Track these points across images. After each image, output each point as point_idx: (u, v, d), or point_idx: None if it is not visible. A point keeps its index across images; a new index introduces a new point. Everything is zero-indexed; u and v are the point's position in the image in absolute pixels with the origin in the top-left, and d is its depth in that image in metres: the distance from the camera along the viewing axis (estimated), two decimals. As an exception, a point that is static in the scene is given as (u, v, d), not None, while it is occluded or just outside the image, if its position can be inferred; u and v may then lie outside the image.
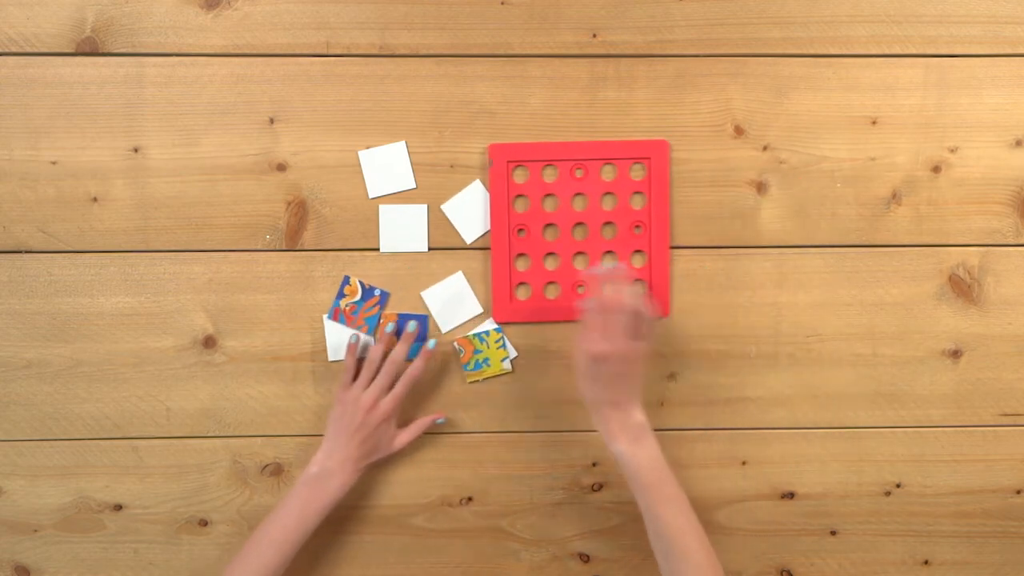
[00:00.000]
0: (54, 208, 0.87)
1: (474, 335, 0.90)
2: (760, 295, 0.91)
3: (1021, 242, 0.91)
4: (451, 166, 0.89)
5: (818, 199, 0.90)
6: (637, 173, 0.89)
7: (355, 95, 0.87)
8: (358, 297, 0.89)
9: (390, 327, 0.88)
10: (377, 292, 0.89)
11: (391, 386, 0.86)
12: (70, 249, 0.88)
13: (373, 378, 0.86)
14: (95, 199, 0.87)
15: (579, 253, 0.90)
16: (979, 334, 0.93)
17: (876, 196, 0.90)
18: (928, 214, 0.91)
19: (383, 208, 0.88)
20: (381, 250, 0.89)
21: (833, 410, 0.93)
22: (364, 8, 0.86)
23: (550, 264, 0.90)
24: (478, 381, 0.91)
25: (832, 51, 0.88)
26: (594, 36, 0.88)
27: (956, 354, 0.93)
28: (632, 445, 0.80)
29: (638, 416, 0.82)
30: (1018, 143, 0.90)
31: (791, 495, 0.95)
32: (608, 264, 0.89)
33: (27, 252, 0.88)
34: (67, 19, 0.85)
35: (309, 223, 0.89)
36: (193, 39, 0.86)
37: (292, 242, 0.89)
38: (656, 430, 0.93)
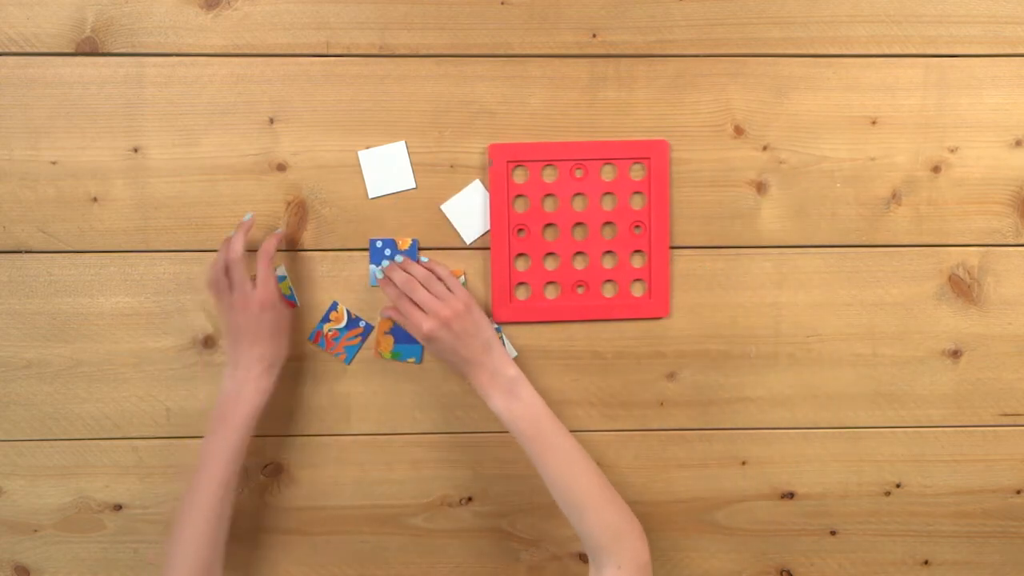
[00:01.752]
0: (54, 208, 0.87)
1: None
2: (760, 295, 0.91)
3: (1021, 242, 0.91)
4: (451, 166, 0.89)
5: (818, 199, 0.90)
6: (637, 173, 0.89)
7: (355, 95, 0.87)
8: (342, 324, 0.89)
9: (248, 216, 0.85)
10: (362, 323, 0.89)
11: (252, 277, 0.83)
12: (70, 249, 0.88)
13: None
14: (95, 199, 0.87)
15: (579, 253, 0.90)
16: (979, 334, 0.93)
17: (876, 196, 0.90)
18: (928, 214, 0.91)
19: (362, 155, 0.87)
20: (369, 196, 0.88)
21: (833, 410, 0.93)
22: (364, 8, 0.86)
23: (550, 264, 0.90)
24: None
25: (832, 51, 0.88)
26: (594, 36, 0.88)
27: (956, 354, 0.93)
28: (507, 400, 0.82)
29: (508, 370, 0.83)
30: (1018, 143, 0.90)
31: (791, 495, 0.95)
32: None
33: (27, 252, 0.88)
34: (67, 19, 0.85)
35: (309, 223, 0.89)
36: (193, 39, 0.86)
37: (292, 242, 0.89)
38: (656, 430, 0.93)
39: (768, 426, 0.94)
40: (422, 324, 0.81)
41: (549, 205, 0.90)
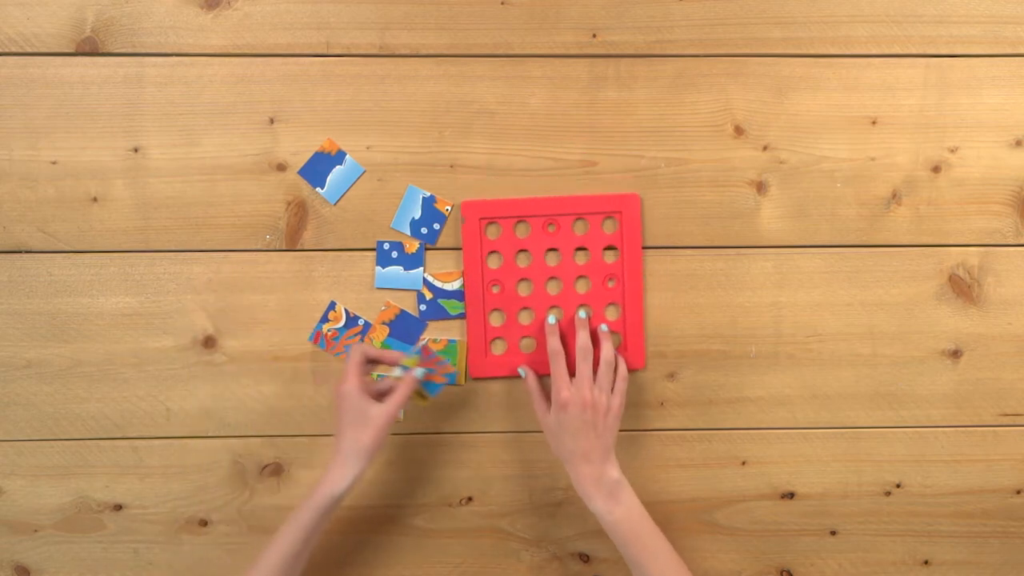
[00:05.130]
0: (54, 208, 0.87)
1: (376, 376, 0.88)
2: (760, 295, 0.91)
3: (1021, 242, 0.91)
4: (451, 166, 0.89)
5: (818, 199, 0.90)
6: (609, 227, 0.89)
7: (355, 95, 0.87)
8: (341, 324, 0.89)
9: (552, 319, 0.87)
10: (361, 321, 0.89)
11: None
12: (70, 249, 0.88)
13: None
14: (95, 199, 0.87)
15: (553, 307, 0.90)
16: (979, 334, 0.93)
17: (876, 196, 0.90)
18: (928, 214, 0.91)
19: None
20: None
21: (833, 410, 0.93)
22: (364, 8, 0.86)
23: (524, 319, 0.90)
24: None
25: (832, 51, 0.88)
26: (594, 36, 0.88)
27: (956, 354, 0.93)
28: (608, 502, 0.81)
29: (613, 473, 0.83)
30: (1018, 143, 0.90)
31: (791, 495, 0.95)
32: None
33: (27, 252, 0.88)
34: (67, 19, 0.85)
35: (309, 223, 0.89)
36: (193, 39, 0.86)
37: (292, 242, 0.89)
38: (656, 430, 0.93)
39: (768, 426, 0.94)
40: (562, 390, 0.81)
41: (523, 260, 0.90)
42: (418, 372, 0.83)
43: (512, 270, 0.90)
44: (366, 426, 0.80)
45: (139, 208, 0.88)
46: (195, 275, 0.89)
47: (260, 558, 0.79)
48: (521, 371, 0.88)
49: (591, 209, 0.89)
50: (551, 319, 0.87)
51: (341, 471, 0.80)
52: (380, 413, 0.80)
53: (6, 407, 0.90)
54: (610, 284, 0.90)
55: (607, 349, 0.85)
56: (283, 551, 0.79)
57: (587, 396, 0.81)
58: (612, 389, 0.84)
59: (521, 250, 0.90)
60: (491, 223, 0.89)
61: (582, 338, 0.84)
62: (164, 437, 0.91)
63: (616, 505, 0.82)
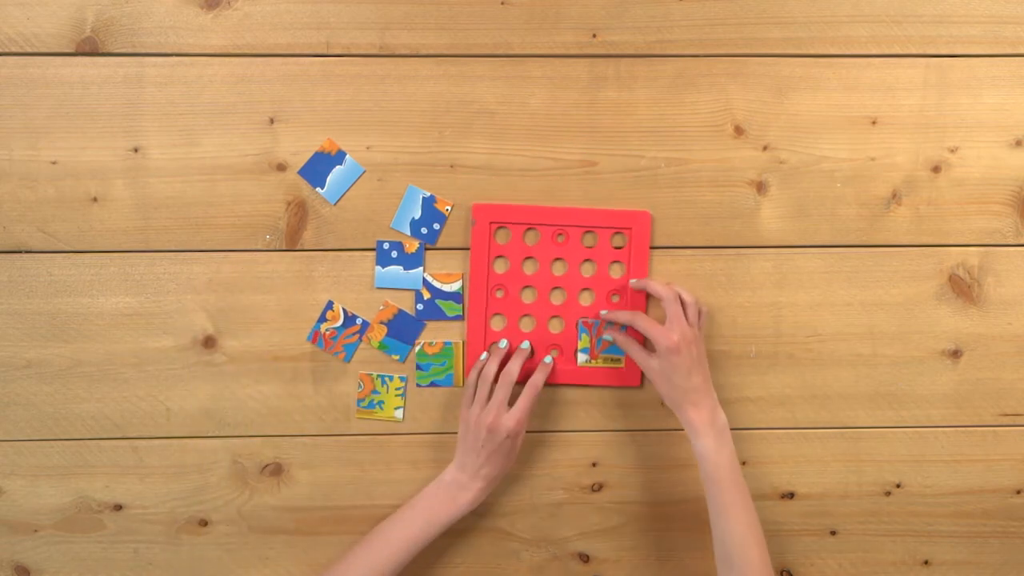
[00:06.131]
0: (54, 208, 0.87)
1: (378, 375, 0.90)
2: (760, 295, 0.91)
3: (1021, 242, 0.91)
4: (451, 166, 0.89)
5: (818, 199, 0.90)
6: (618, 242, 0.89)
7: (355, 95, 0.87)
8: (339, 323, 0.89)
9: (503, 343, 0.89)
10: (359, 320, 0.89)
11: (508, 400, 0.85)
12: (70, 249, 0.88)
13: (490, 395, 0.86)
14: (95, 199, 0.87)
15: (555, 316, 0.90)
16: (979, 334, 0.93)
17: (876, 196, 0.90)
18: (928, 214, 0.91)
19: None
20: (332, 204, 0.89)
21: (833, 410, 0.93)
22: (364, 8, 0.86)
23: (525, 325, 0.90)
24: (366, 419, 0.91)
25: (832, 51, 0.88)
26: (594, 36, 0.88)
27: (956, 354, 0.93)
28: (717, 442, 0.82)
29: (721, 416, 0.84)
30: (1018, 143, 0.90)
31: (791, 495, 0.95)
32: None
33: (27, 252, 0.88)
34: (67, 19, 0.85)
35: (309, 223, 0.89)
36: (193, 39, 0.86)
37: (292, 242, 0.89)
38: (656, 430, 0.93)
39: (768, 426, 0.94)
40: (672, 334, 0.81)
41: (529, 268, 0.90)
42: (524, 344, 0.88)
43: (518, 276, 0.90)
44: (511, 458, 0.87)
45: (139, 208, 0.88)
46: (195, 275, 0.89)
47: (382, 544, 0.85)
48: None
49: (601, 223, 0.89)
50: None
51: (481, 493, 0.86)
52: (518, 445, 0.86)
53: (6, 407, 0.90)
54: (614, 299, 0.90)
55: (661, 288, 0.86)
56: (400, 558, 0.85)
57: (689, 333, 0.82)
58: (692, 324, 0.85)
59: (528, 257, 0.90)
60: (501, 227, 0.89)
61: (660, 284, 0.86)
62: (164, 437, 0.91)
63: (723, 447, 0.82)
